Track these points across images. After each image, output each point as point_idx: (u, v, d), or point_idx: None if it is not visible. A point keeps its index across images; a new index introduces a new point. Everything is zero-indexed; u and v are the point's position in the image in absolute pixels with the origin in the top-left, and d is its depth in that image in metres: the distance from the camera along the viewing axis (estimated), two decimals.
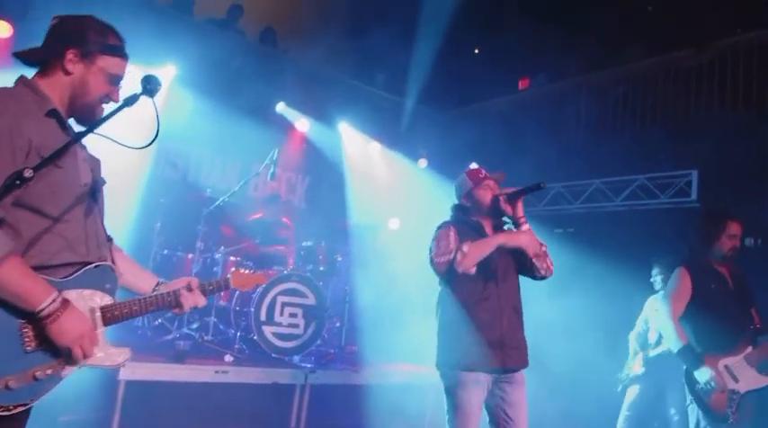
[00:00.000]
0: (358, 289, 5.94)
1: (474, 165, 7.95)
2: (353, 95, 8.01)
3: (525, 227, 3.11)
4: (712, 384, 3.43)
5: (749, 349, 3.52)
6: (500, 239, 3.02)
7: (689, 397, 3.57)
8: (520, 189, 3.09)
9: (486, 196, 3.20)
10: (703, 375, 3.47)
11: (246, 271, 2.35)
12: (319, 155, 7.44)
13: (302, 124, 7.26)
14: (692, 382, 3.53)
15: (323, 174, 7.58)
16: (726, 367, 3.50)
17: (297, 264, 5.72)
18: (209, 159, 7.03)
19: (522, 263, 3.14)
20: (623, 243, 6.02)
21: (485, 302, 3.02)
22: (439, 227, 3.13)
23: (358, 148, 7.64)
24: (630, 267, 5.40)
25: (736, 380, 3.48)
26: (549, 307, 5.09)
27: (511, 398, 2.99)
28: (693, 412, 3.56)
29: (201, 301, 2.13)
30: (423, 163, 7.97)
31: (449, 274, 2.96)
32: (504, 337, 2.99)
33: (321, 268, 5.65)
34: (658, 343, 4.83)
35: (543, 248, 3.14)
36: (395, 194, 7.62)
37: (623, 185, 6.72)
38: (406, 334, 5.61)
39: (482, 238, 3.04)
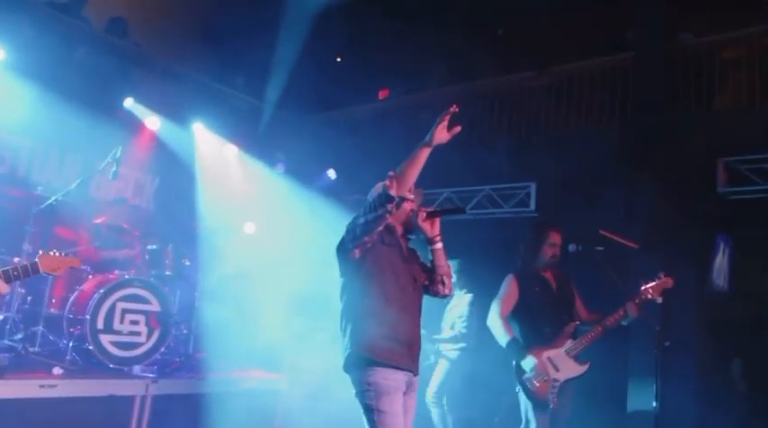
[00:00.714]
0: (208, 294, 5.72)
1: (332, 172, 8.06)
2: (210, 95, 7.74)
3: (439, 245, 3.14)
4: (535, 373, 3.83)
5: (569, 342, 3.97)
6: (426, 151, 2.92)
7: (517, 386, 3.96)
8: (442, 208, 3.23)
9: (406, 206, 3.13)
10: (528, 364, 3.87)
11: (57, 254, 2.16)
12: (170, 155, 7.07)
13: (152, 122, 6.86)
14: (519, 372, 3.93)
15: (174, 176, 7.21)
16: (548, 358, 3.93)
17: (141, 269, 5.39)
18: (42, 154, 6.41)
19: (431, 280, 3.17)
20: (472, 249, 6.38)
21: (401, 300, 2.98)
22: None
23: (212, 150, 7.37)
24: (476, 271, 5.77)
25: (557, 370, 3.91)
26: None
27: (407, 404, 2.97)
28: (522, 398, 3.96)
29: (2, 288, 1.92)
30: (280, 168, 7.88)
31: (362, 259, 2.90)
32: (413, 340, 3.00)
33: (167, 273, 5.37)
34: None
35: (449, 268, 3.22)
36: (251, 198, 7.46)
37: (471, 195, 7.12)
38: (257, 339, 5.51)
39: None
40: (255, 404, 4.95)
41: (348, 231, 2.95)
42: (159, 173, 7.31)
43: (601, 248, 4.15)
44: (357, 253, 2.94)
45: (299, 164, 7.91)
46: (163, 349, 5.10)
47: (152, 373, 4.80)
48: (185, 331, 5.59)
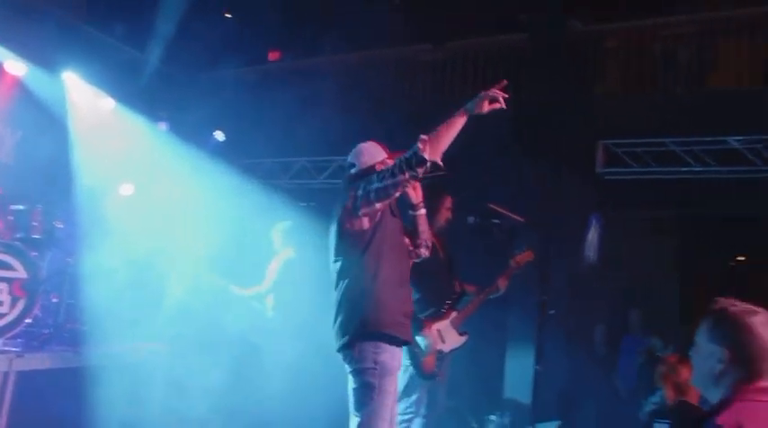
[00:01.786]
0: (83, 260, 5.23)
1: (219, 133, 7.66)
2: (85, 42, 6.99)
3: (423, 211, 3.12)
4: (426, 345, 3.83)
5: (454, 313, 4.01)
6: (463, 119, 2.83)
7: (406, 362, 3.81)
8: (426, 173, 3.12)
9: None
10: (424, 340, 3.85)
11: None
12: (37, 106, 6.34)
13: (15, 67, 6.09)
14: (411, 347, 3.77)
15: (41, 129, 6.47)
16: (437, 330, 3.94)
17: (3, 232, 4.81)
18: None
19: (414, 244, 3.14)
20: None
21: (405, 273, 2.96)
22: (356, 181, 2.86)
23: (87, 103, 6.70)
24: None
25: (443, 341, 3.93)
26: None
27: None
28: (406, 373, 3.80)
29: None
30: (163, 126, 7.35)
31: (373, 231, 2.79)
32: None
33: (36, 236, 4.84)
34: None
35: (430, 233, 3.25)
36: (129, 157, 6.91)
37: None
38: (141, 309, 5.17)
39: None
40: (137, 378, 4.64)
41: (359, 197, 2.79)
42: (23, 126, 6.53)
43: (498, 221, 4.30)
44: (366, 222, 2.81)
45: (183, 123, 7.42)
46: (29, 320, 4.61)
47: (16, 347, 4.34)
48: (55, 300, 5.09)
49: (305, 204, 7.54)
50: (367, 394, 2.77)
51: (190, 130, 7.56)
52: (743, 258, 8.24)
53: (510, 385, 6.11)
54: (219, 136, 7.59)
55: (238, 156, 7.66)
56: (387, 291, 2.86)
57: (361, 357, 2.79)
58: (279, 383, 4.91)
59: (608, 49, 6.29)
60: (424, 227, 3.18)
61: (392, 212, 3.00)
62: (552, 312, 4.35)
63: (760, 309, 1.81)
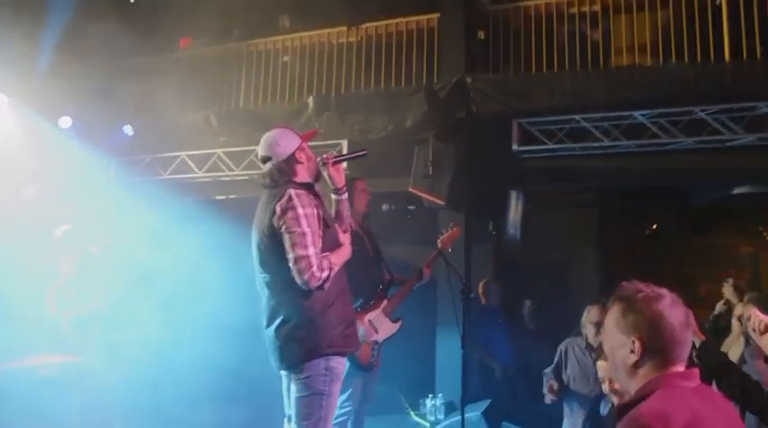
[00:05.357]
0: None
1: (129, 128, 7.27)
2: None
3: (345, 195, 3.02)
4: (363, 338, 3.71)
5: (385, 302, 3.97)
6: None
7: None
8: (347, 155, 3.05)
9: (312, 157, 2.92)
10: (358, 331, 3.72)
11: None
12: None
13: None
14: None
15: None
16: (370, 321, 3.87)
17: None
18: None
19: None
20: None
21: (341, 281, 2.93)
22: (288, 205, 2.72)
23: None
24: None
25: (377, 331, 3.88)
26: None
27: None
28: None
29: None
30: (66, 121, 6.90)
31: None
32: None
33: None
34: None
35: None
36: (30, 157, 6.48)
37: None
38: (47, 319, 4.85)
39: (340, 248, 2.91)
40: (51, 394, 4.33)
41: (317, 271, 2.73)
42: None
43: (413, 207, 4.25)
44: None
45: (88, 118, 7.00)
46: None
47: None
48: None
49: (224, 197, 7.31)
50: (317, 401, 2.77)
51: (96, 124, 7.17)
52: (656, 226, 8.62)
53: (441, 368, 6.16)
54: (129, 130, 7.22)
55: (146, 150, 7.34)
56: (332, 309, 2.84)
57: (311, 368, 2.78)
58: None
59: (518, 27, 6.30)
60: (347, 212, 3.11)
61: (326, 224, 2.90)
62: (472, 295, 4.35)
63: (664, 292, 1.77)
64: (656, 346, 1.72)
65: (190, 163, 7.25)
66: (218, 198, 7.43)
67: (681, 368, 1.73)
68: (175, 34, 8.38)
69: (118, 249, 5.60)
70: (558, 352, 4.41)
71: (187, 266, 5.76)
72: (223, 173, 7.12)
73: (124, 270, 5.38)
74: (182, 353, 5.04)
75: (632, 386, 1.76)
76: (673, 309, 1.73)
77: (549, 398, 4.19)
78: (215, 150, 7.16)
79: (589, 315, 4.22)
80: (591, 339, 4.20)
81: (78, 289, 4.81)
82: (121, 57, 7.77)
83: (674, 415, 1.59)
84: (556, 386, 4.15)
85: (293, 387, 2.86)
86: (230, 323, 5.27)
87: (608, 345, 1.84)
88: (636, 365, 1.73)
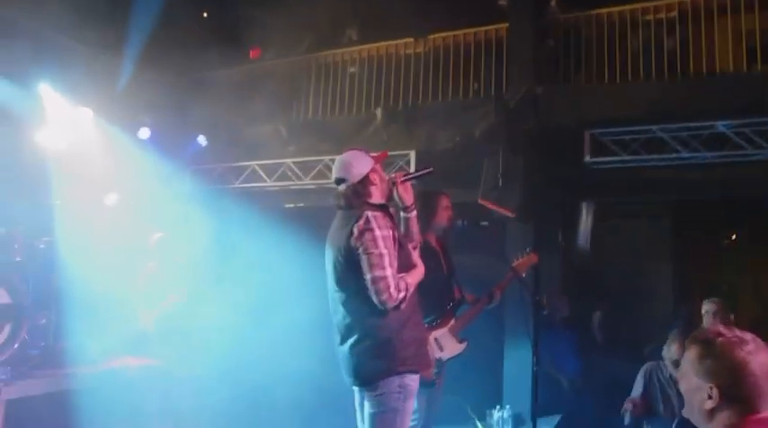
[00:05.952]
0: (70, 277, 5.13)
1: (202, 138, 7.56)
2: (57, 52, 6.83)
3: (414, 213, 3.08)
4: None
5: (453, 321, 3.93)
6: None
7: None
8: (415, 173, 3.10)
9: (385, 178, 3.00)
10: None
11: None
12: (11, 121, 6.19)
13: None
14: None
15: (17, 145, 6.33)
16: (435, 339, 3.84)
17: None
18: None
19: None
20: None
21: (416, 301, 3.04)
22: (365, 227, 2.80)
23: (63, 114, 6.56)
24: None
25: (442, 350, 3.84)
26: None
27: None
28: None
29: None
30: (144, 132, 7.22)
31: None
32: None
33: (18, 258, 4.74)
34: None
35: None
36: (111, 166, 6.80)
37: None
38: (132, 324, 5.10)
39: (414, 269, 2.98)
40: (133, 395, 4.56)
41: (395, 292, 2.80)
42: None
43: (485, 223, 4.22)
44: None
45: (165, 128, 7.31)
46: (16, 345, 4.52)
47: (4, 374, 4.25)
48: (44, 321, 5.00)
49: (292, 205, 7.47)
50: (390, 418, 2.83)
51: (172, 135, 7.47)
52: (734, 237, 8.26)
53: (508, 379, 6.09)
54: (202, 140, 7.49)
55: (221, 160, 7.59)
56: (407, 329, 2.90)
57: (386, 385, 2.85)
58: None
59: (590, 36, 6.18)
60: (415, 228, 3.15)
61: (401, 245, 2.95)
62: (545, 312, 4.28)
63: (749, 337, 1.67)
64: (736, 394, 1.63)
65: (260, 172, 7.45)
66: (287, 206, 7.59)
67: (764, 414, 1.63)
68: (246, 47, 8.63)
69: (194, 255, 5.85)
70: (643, 374, 4.28)
71: (259, 273, 5.91)
72: (292, 183, 7.27)
73: (198, 275, 5.62)
74: (255, 362, 5.17)
75: None
76: (757, 356, 1.63)
77: (627, 418, 4.08)
78: (284, 160, 7.32)
79: (669, 350, 4.06)
80: (672, 371, 4.07)
81: (160, 289, 5.24)
82: (195, 70, 8.08)
83: None
84: (639, 404, 4.05)
85: (367, 404, 2.92)
86: (304, 330, 5.37)
87: (684, 387, 1.77)
88: (713, 411, 1.66)
